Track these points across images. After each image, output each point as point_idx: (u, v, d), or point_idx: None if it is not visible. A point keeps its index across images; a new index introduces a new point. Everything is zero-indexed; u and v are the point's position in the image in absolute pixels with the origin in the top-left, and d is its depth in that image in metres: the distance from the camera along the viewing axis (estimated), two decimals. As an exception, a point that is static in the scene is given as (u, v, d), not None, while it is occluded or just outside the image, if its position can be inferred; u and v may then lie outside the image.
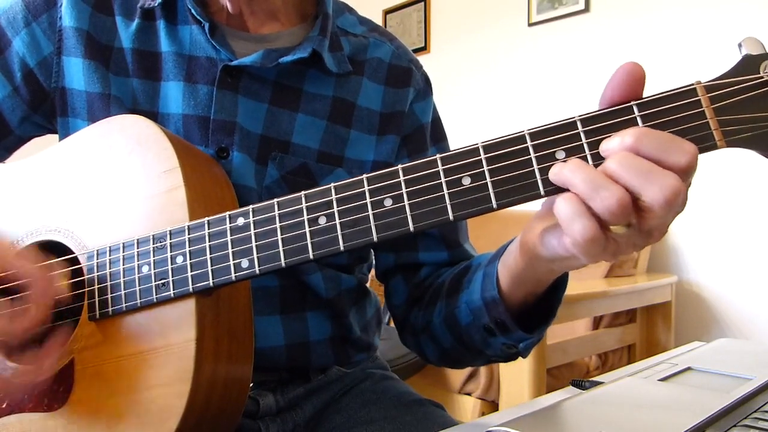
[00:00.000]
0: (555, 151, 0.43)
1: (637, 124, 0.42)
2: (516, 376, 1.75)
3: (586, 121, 0.43)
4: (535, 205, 0.48)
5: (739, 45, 0.43)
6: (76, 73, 0.68)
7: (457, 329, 0.64)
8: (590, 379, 0.57)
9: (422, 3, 3.27)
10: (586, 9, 2.59)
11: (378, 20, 3.14)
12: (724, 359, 0.63)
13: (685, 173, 0.40)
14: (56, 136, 0.70)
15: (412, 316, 0.74)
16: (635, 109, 0.43)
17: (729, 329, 2.23)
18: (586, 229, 0.40)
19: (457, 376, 1.96)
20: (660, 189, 0.39)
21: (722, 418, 0.42)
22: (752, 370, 0.55)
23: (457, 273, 0.68)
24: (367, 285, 0.81)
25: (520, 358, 0.64)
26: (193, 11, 0.67)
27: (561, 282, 0.57)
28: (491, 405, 1.91)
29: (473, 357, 0.68)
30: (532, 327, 0.58)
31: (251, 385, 0.57)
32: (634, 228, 0.41)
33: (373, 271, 0.83)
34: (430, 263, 0.75)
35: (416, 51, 3.13)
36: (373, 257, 0.81)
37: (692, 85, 0.42)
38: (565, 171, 0.42)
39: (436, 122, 0.81)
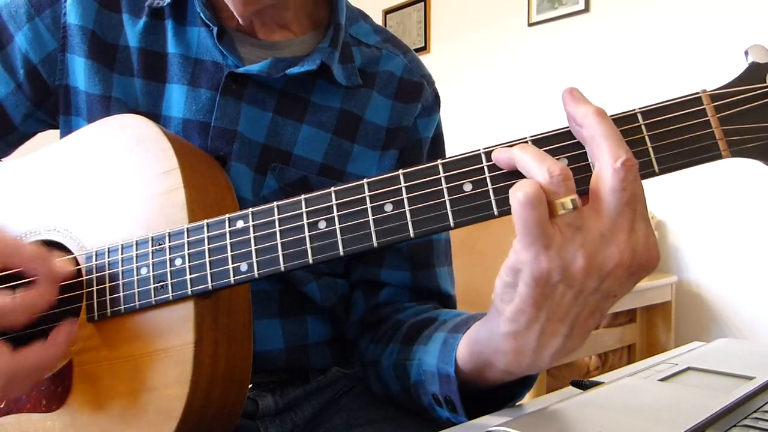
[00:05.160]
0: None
1: (642, 132, 0.42)
2: (516, 376, 1.75)
3: None
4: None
5: (746, 52, 0.42)
6: (79, 72, 0.67)
7: (405, 381, 0.61)
8: (590, 379, 0.57)
9: (422, 3, 3.27)
10: (586, 9, 2.59)
11: (378, 20, 3.14)
12: (724, 359, 0.63)
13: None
14: (57, 133, 0.70)
15: (362, 345, 0.71)
16: (639, 117, 0.42)
17: (729, 329, 2.23)
18: (528, 186, 0.39)
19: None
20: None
21: (722, 418, 0.42)
22: (752, 370, 0.55)
23: (418, 321, 0.64)
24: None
25: None
26: (201, 14, 0.66)
27: (527, 379, 0.53)
28: (491, 405, 1.91)
29: (418, 410, 0.62)
30: (480, 410, 0.52)
31: (250, 386, 0.57)
32: (578, 213, 0.40)
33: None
34: (390, 284, 0.72)
35: (416, 51, 3.12)
36: None
37: (697, 93, 0.42)
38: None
39: (437, 139, 0.78)
